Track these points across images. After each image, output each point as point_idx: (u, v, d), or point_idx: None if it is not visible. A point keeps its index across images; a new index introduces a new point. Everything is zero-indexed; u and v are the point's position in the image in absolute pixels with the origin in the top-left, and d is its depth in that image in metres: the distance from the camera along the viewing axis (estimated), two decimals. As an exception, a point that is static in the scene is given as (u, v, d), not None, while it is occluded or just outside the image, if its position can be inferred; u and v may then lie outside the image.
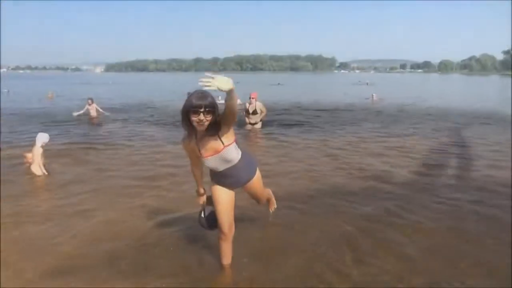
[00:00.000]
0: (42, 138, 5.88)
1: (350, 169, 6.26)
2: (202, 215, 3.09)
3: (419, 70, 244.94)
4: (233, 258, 3.10)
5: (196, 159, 2.82)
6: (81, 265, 3.22)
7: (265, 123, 10.93)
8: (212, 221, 3.02)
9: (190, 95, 2.47)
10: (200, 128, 2.48)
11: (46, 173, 5.77)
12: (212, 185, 2.88)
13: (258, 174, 2.95)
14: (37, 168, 5.72)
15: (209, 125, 2.47)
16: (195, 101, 2.39)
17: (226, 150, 2.59)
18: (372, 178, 5.75)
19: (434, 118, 13.23)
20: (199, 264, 3.21)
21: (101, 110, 13.81)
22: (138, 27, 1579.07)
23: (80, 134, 10.07)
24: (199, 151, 2.62)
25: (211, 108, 2.42)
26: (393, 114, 14.53)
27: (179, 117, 2.57)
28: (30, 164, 6.16)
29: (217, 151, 2.58)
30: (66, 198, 4.85)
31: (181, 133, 2.88)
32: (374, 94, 22.44)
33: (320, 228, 3.94)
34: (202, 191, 3.03)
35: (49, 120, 12.53)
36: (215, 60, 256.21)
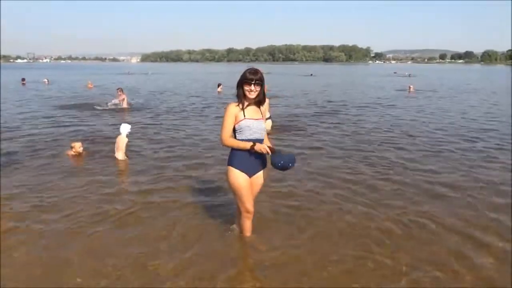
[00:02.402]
0: (126, 128, 6.39)
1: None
2: (279, 157, 3.08)
3: (460, 61, 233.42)
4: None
5: (230, 128, 3.16)
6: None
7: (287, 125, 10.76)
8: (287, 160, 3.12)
9: (245, 70, 3.15)
10: (250, 96, 3.12)
11: (128, 158, 6.41)
12: (231, 171, 3.22)
13: (267, 169, 3.36)
14: (121, 154, 6.35)
15: (257, 96, 3.14)
16: (248, 75, 3.10)
17: (262, 121, 3.24)
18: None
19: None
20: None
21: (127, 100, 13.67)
22: (173, 18, 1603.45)
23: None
24: (244, 115, 3.15)
25: (260, 81, 3.11)
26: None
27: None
28: (77, 153, 6.57)
29: (256, 118, 3.19)
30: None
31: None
32: (411, 86, 21.76)
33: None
34: (252, 143, 3.12)
35: (90, 109, 13.05)
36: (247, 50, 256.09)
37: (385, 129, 9.43)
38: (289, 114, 11.99)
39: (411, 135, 8.66)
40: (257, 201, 3.57)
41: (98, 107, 13.26)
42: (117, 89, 14.12)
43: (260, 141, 3.20)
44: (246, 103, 3.16)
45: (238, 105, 3.18)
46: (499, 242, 3.59)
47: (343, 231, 3.82)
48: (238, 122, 3.15)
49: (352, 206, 4.45)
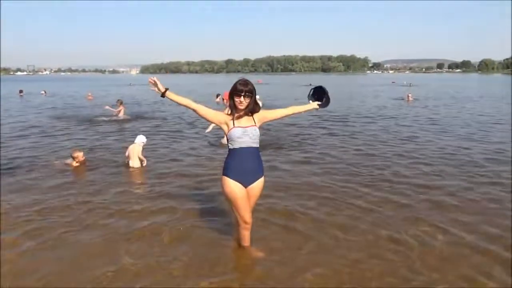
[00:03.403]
0: (141, 139, 6.79)
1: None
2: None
3: (458, 70, 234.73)
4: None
5: (205, 108, 3.22)
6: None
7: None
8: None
9: (236, 81, 3.14)
10: (240, 107, 3.12)
11: (144, 164, 6.68)
12: (226, 181, 3.18)
13: (264, 179, 3.33)
14: (136, 162, 6.64)
15: (247, 107, 3.14)
16: (238, 87, 3.09)
17: (254, 127, 3.19)
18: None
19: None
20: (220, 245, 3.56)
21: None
22: (172, 29, 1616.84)
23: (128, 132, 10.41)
24: (233, 124, 3.14)
25: (250, 93, 3.10)
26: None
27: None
28: (79, 163, 6.62)
29: (247, 126, 3.16)
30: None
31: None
32: (409, 94, 21.81)
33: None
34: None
35: (89, 120, 13.05)
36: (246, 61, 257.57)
37: (386, 140, 9.41)
38: (286, 123, 11.97)
39: (410, 141, 8.65)
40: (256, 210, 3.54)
41: (97, 118, 13.26)
42: (117, 100, 14.21)
43: (254, 149, 3.17)
44: (236, 114, 3.15)
45: (229, 114, 3.19)
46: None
47: (353, 239, 3.79)
48: (229, 131, 3.15)
49: (359, 220, 4.39)
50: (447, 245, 3.65)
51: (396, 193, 5.18)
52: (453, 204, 4.76)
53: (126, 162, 6.69)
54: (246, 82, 3.11)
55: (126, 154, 6.70)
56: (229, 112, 3.20)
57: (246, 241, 3.44)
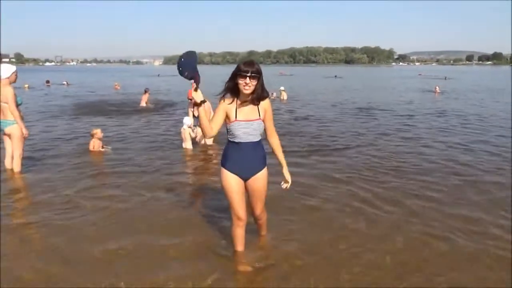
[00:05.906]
0: (187, 121, 7.17)
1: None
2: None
3: (488, 63, 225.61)
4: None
5: (216, 122, 2.78)
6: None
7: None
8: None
9: (240, 62, 2.75)
10: (245, 91, 2.71)
11: (201, 141, 7.35)
12: (222, 173, 2.95)
13: (266, 170, 3.01)
14: (189, 144, 7.18)
15: (255, 91, 2.73)
16: (243, 67, 2.66)
17: (259, 122, 2.84)
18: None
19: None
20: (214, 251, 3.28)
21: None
22: (194, 21, 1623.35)
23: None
24: (236, 115, 2.78)
25: (257, 74, 2.68)
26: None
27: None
28: (99, 138, 6.89)
29: (251, 119, 2.82)
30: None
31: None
32: (437, 87, 21.23)
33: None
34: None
35: (116, 109, 13.30)
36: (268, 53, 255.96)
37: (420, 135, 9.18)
38: (305, 116, 11.82)
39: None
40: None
41: (123, 108, 13.48)
42: (145, 88, 14.44)
43: (254, 143, 2.86)
44: (239, 101, 2.79)
45: (231, 102, 2.80)
46: None
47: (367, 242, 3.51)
48: (230, 123, 2.81)
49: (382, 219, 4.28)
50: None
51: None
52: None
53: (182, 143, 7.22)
54: (252, 62, 2.72)
55: (182, 136, 7.21)
56: (230, 102, 2.79)
57: (239, 244, 3.08)
